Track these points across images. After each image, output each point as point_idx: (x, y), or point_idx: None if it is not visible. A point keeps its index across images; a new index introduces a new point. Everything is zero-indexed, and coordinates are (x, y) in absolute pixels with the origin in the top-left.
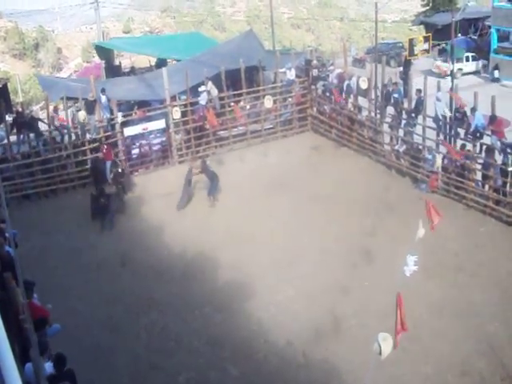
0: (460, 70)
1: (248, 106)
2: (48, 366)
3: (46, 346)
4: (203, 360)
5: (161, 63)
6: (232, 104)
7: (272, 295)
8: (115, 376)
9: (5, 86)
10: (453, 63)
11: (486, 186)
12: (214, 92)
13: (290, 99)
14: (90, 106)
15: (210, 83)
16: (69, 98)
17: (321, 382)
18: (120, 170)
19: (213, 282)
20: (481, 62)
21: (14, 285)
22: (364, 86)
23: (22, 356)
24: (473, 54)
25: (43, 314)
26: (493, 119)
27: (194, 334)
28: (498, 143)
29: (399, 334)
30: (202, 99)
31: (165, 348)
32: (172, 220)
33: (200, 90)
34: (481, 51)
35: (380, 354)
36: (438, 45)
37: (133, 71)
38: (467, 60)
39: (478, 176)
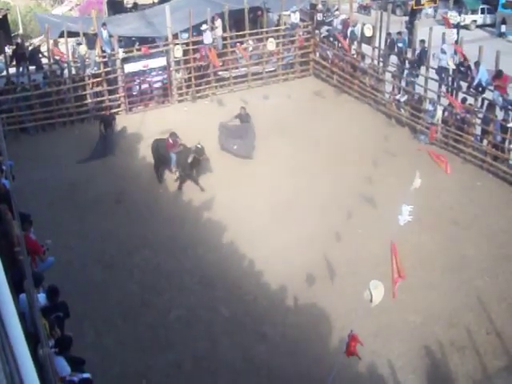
0: (474, 21)
1: (250, 48)
2: (41, 297)
3: (40, 277)
4: (194, 299)
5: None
6: (237, 44)
7: (266, 238)
8: (107, 311)
9: (5, 16)
10: (460, 15)
11: (485, 141)
12: (219, 31)
13: (293, 43)
14: (91, 41)
15: (219, 20)
16: (69, 33)
17: (308, 326)
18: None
19: (207, 222)
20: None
21: (10, 216)
22: (368, 33)
23: (16, 287)
24: (489, 6)
25: (36, 249)
26: (499, 74)
27: (186, 273)
28: (500, 99)
29: (397, 282)
30: (207, 38)
31: (157, 285)
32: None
33: (202, 28)
34: (488, 5)
35: (371, 301)
36: None
37: (135, 7)
38: (482, 12)
39: (478, 131)
